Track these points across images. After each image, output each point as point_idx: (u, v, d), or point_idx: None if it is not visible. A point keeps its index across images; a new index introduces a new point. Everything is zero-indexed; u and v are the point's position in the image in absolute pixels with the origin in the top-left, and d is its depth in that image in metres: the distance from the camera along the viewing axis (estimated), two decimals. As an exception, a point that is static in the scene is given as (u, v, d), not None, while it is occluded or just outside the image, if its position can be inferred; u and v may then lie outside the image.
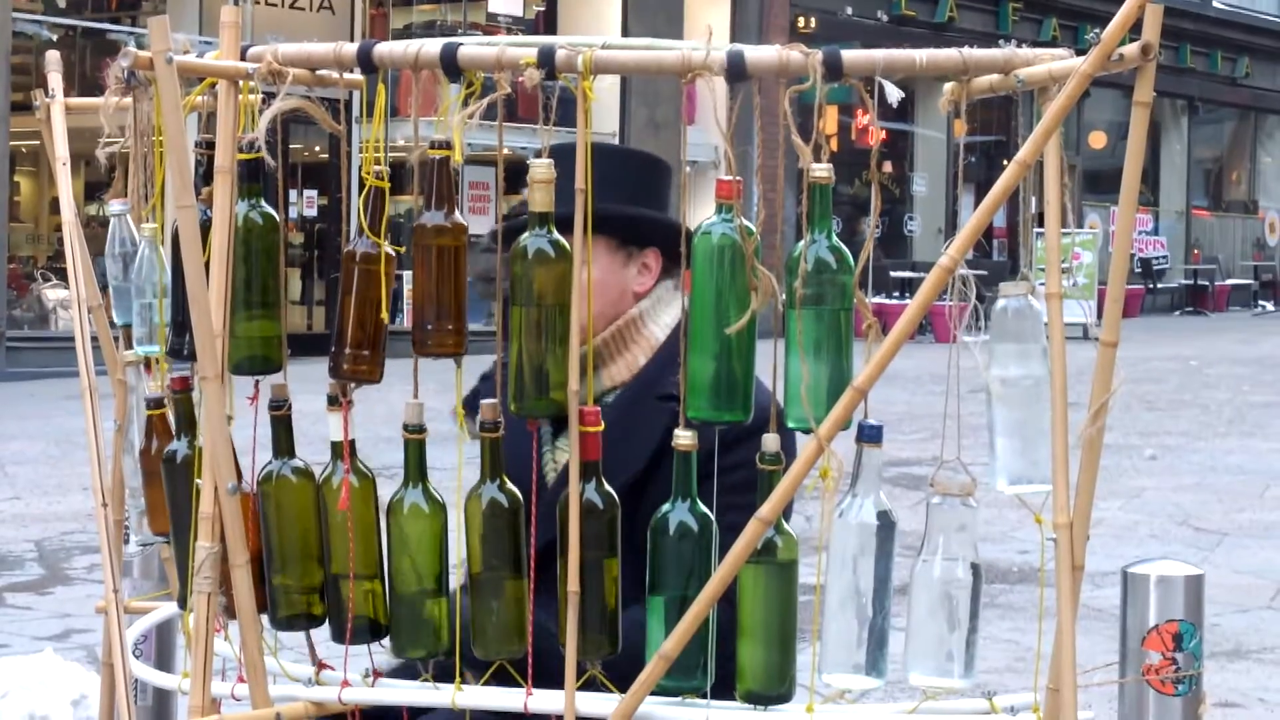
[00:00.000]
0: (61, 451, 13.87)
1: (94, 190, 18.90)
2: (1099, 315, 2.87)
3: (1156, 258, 37.96)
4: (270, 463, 3.13)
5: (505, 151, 3.06)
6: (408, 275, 3.02)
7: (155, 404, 3.28)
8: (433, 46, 2.97)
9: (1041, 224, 2.91)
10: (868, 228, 3.23)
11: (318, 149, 25.40)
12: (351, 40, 3.30)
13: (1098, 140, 37.37)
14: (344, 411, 3.06)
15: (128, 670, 3.41)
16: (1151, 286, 37.07)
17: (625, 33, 25.64)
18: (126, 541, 3.59)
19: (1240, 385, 20.08)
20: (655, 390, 3.43)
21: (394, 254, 3.06)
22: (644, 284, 3.56)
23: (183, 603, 3.20)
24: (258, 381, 3.13)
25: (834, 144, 27.95)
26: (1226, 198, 43.73)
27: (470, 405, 3.17)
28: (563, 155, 2.96)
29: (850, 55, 2.88)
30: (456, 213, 3.02)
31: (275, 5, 23.94)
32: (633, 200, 3.51)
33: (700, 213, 2.95)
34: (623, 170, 3.53)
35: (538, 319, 2.92)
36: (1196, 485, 12.60)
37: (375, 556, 3.08)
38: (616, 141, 26.32)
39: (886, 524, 2.87)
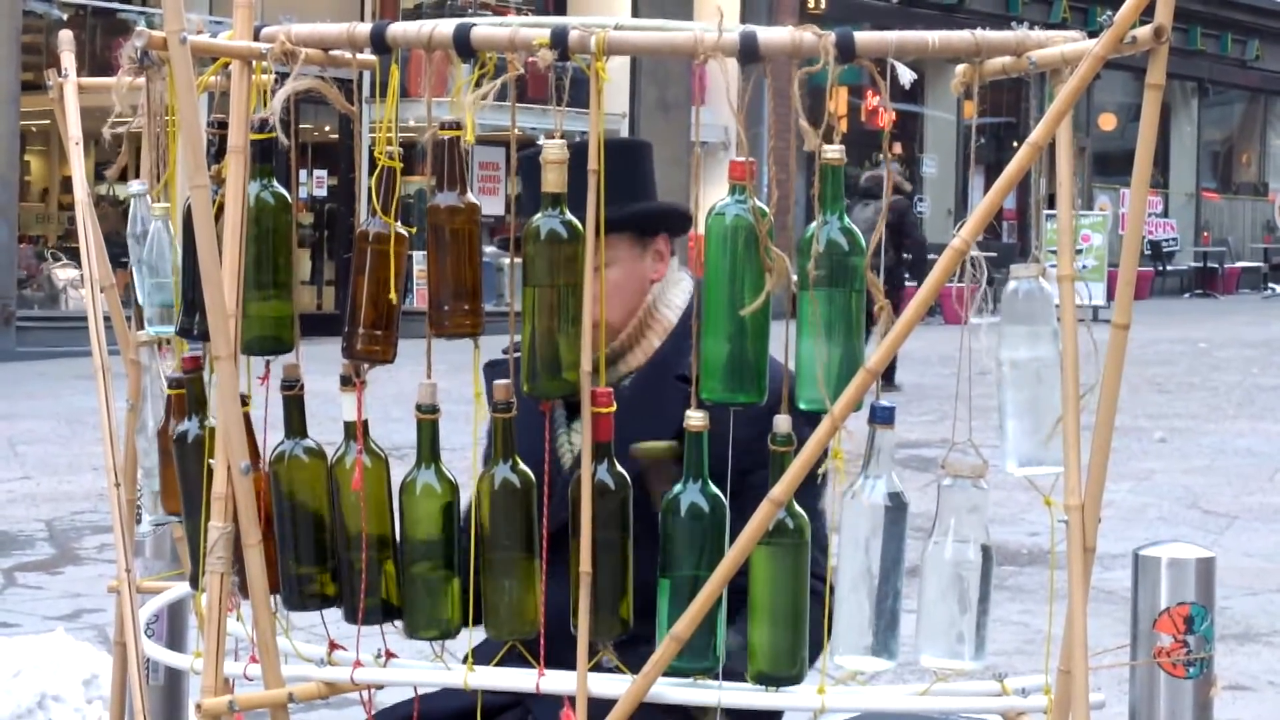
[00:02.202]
0: (72, 431, 13.89)
1: (104, 170, 18.90)
2: (1109, 298, 2.87)
3: (1166, 240, 37.89)
4: (282, 443, 3.13)
5: (516, 132, 3.06)
6: (419, 255, 3.01)
7: (175, 384, 3.29)
8: (446, 27, 2.97)
9: (1052, 206, 2.91)
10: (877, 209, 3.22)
11: (328, 129, 25.39)
12: (362, 20, 3.31)
13: (1107, 122, 37.29)
14: (358, 392, 3.06)
15: (140, 650, 3.42)
16: (1161, 269, 37.01)
17: (635, 12, 25.61)
18: (139, 521, 3.59)
19: (1250, 368, 20.06)
20: (672, 371, 3.43)
21: (406, 234, 3.06)
22: (660, 270, 3.55)
23: (195, 582, 3.21)
24: (269, 362, 3.13)
25: (843, 125, 27.89)
26: (1236, 180, 43.64)
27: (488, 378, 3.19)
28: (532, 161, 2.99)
29: (863, 37, 2.88)
30: (469, 193, 3.02)
31: (286, -15, 23.91)
32: (634, 191, 3.48)
33: (708, 194, 2.95)
34: (616, 165, 3.43)
35: (550, 299, 2.92)
36: (1206, 468, 12.60)
37: (388, 537, 3.09)
38: (626, 123, 26.29)
39: (898, 505, 2.87)
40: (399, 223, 3.04)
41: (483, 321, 3.02)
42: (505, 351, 3.24)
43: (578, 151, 2.97)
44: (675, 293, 3.56)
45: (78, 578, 8.90)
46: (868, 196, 17.61)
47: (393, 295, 3.02)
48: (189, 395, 3.21)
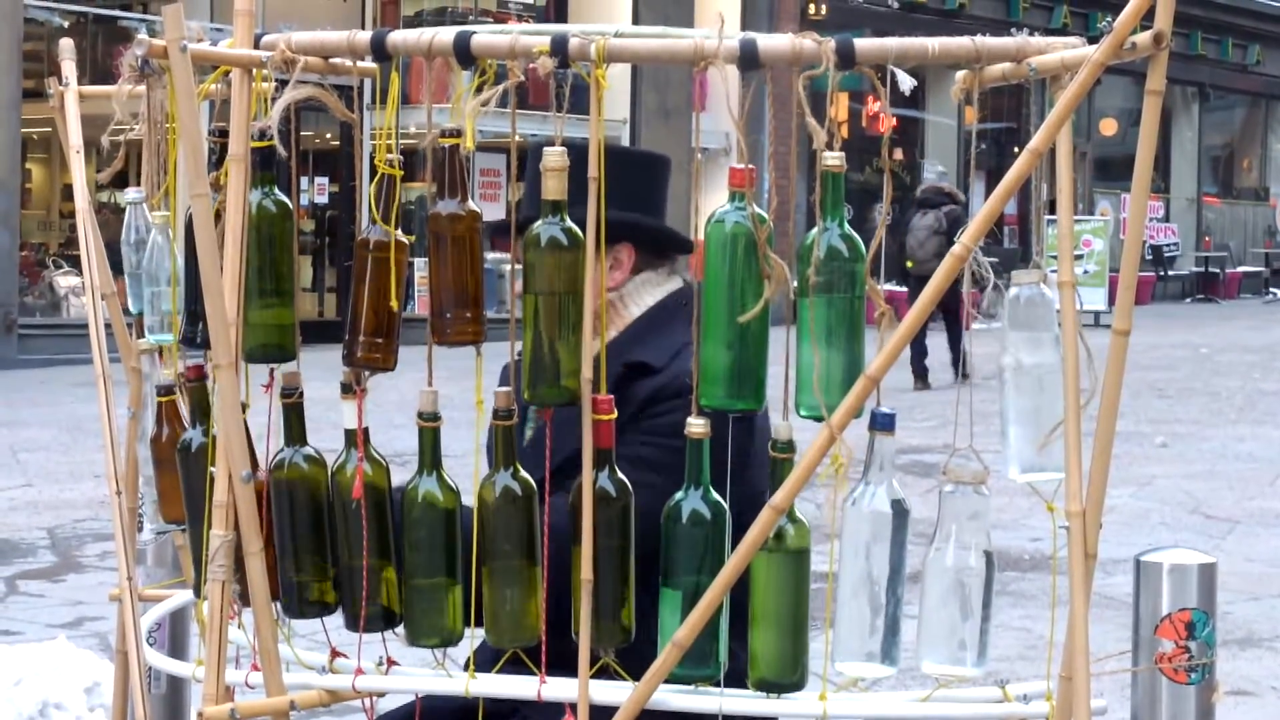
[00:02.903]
0: (73, 439, 13.88)
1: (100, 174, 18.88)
2: (1110, 303, 2.87)
3: (1167, 245, 37.88)
4: (283, 451, 3.13)
5: (516, 138, 3.06)
6: (420, 262, 3.02)
7: (166, 391, 3.29)
8: (446, 35, 2.97)
9: (1053, 211, 2.91)
10: (879, 215, 3.22)
11: (329, 136, 25.40)
12: (363, 28, 3.31)
13: (1108, 127, 37.29)
14: (358, 399, 3.06)
15: (142, 658, 3.42)
16: (1162, 274, 36.99)
17: (636, 19, 25.61)
18: (140, 529, 3.59)
19: (1251, 373, 20.05)
20: (622, 358, 3.40)
21: (406, 241, 3.06)
22: (615, 279, 3.51)
23: (197, 590, 3.21)
24: (273, 369, 3.13)
25: (844, 131, 27.89)
26: (1237, 185, 43.63)
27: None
28: (539, 154, 2.98)
29: (863, 44, 2.88)
30: (470, 200, 3.02)
31: (286, -8, 23.92)
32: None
33: (711, 200, 2.95)
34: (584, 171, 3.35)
35: (550, 307, 2.93)
36: (1207, 473, 12.59)
37: (389, 544, 3.09)
38: (627, 129, 26.29)
39: (899, 512, 2.87)
40: (399, 230, 3.04)
41: (485, 329, 3.02)
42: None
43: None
44: (647, 292, 3.54)
45: (79, 585, 8.90)
46: (925, 206, 18.53)
47: (394, 303, 3.01)
48: (193, 403, 3.22)
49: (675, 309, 3.50)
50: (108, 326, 3.55)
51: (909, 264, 18.67)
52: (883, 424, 2.89)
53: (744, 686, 2.99)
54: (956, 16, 31.53)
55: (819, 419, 2.84)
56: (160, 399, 3.30)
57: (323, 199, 25.64)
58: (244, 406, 3.08)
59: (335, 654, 3.15)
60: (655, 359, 3.38)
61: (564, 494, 3.03)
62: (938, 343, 17.91)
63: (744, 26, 24.41)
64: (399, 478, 3.10)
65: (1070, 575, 2.80)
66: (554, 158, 2.93)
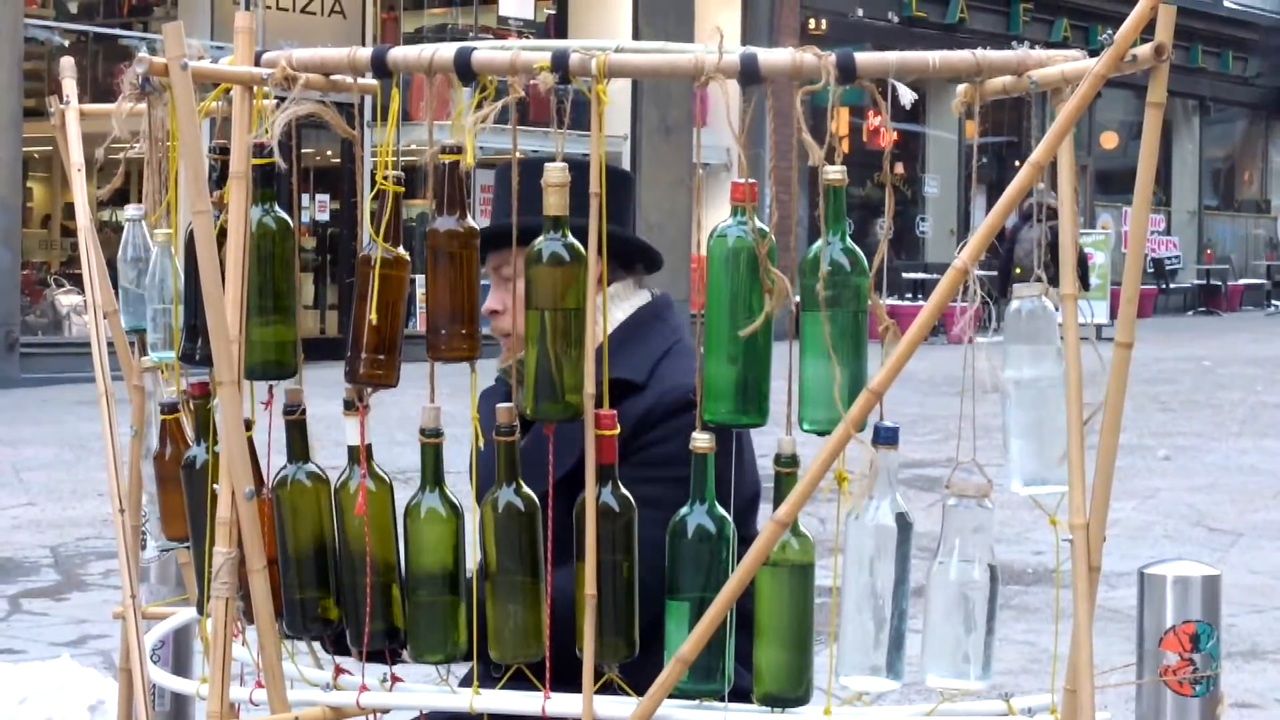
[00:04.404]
0: (76, 457, 13.87)
1: (100, 191, 18.86)
2: (1112, 316, 2.87)
3: (1169, 258, 37.89)
4: (286, 467, 3.13)
5: (517, 154, 3.06)
6: (421, 279, 3.02)
7: (169, 409, 3.29)
8: (446, 51, 2.97)
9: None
10: (880, 229, 3.22)
11: (330, 153, 25.41)
12: (363, 44, 3.31)
13: (1109, 140, 37.33)
14: (360, 416, 3.06)
15: (146, 676, 3.41)
16: (1164, 287, 37.00)
17: (636, 35, 25.63)
18: (144, 547, 3.59)
19: (1254, 385, 20.04)
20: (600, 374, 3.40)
21: (407, 258, 3.06)
22: None
23: (200, 608, 3.20)
24: (272, 387, 3.14)
25: (846, 145, 27.88)
26: (1239, 197, 43.65)
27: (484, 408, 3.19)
28: (525, 168, 3.01)
29: (864, 58, 2.88)
30: (469, 217, 3.02)
31: (287, 9, 23.93)
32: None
33: (712, 215, 2.95)
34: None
35: (551, 322, 2.93)
36: (1211, 486, 12.58)
37: (392, 561, 3.09)
38: (628, 145, 26.31)
39: (903, 526, 2.87)
40: (400, 247, 3.04)
41: (480, 345, 3.02)
42: (503, 374, 3.26)
43: (535, 164, 3.01)
44: (618, 308, 3.52)
45: (83, 604, 8.89)
46: (1029, 218, 19.01)
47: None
48: (198, 421, 3.22)
49: (647, 322, 3.52)
50: (110, 344, 3.56)
51: (1017, 270, 19.07)
52: (886, 438, 2.89)
53: (749, 701, 2.99)
54: (957, 30, 31.58)
55: (822, 433, 2.84)
56: (164, 417, 3.31)
57: (324, 216, 25.62)
58: (248, 424, 3.08)
59: (339, 671, 3.15)
60: (635, 374, 3.38)
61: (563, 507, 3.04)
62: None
63: (744, 41, 24.42)
64: (402, 494, 3.10)
65: (1074, 588, 2.80)
66: (555, 173, 2.93)
